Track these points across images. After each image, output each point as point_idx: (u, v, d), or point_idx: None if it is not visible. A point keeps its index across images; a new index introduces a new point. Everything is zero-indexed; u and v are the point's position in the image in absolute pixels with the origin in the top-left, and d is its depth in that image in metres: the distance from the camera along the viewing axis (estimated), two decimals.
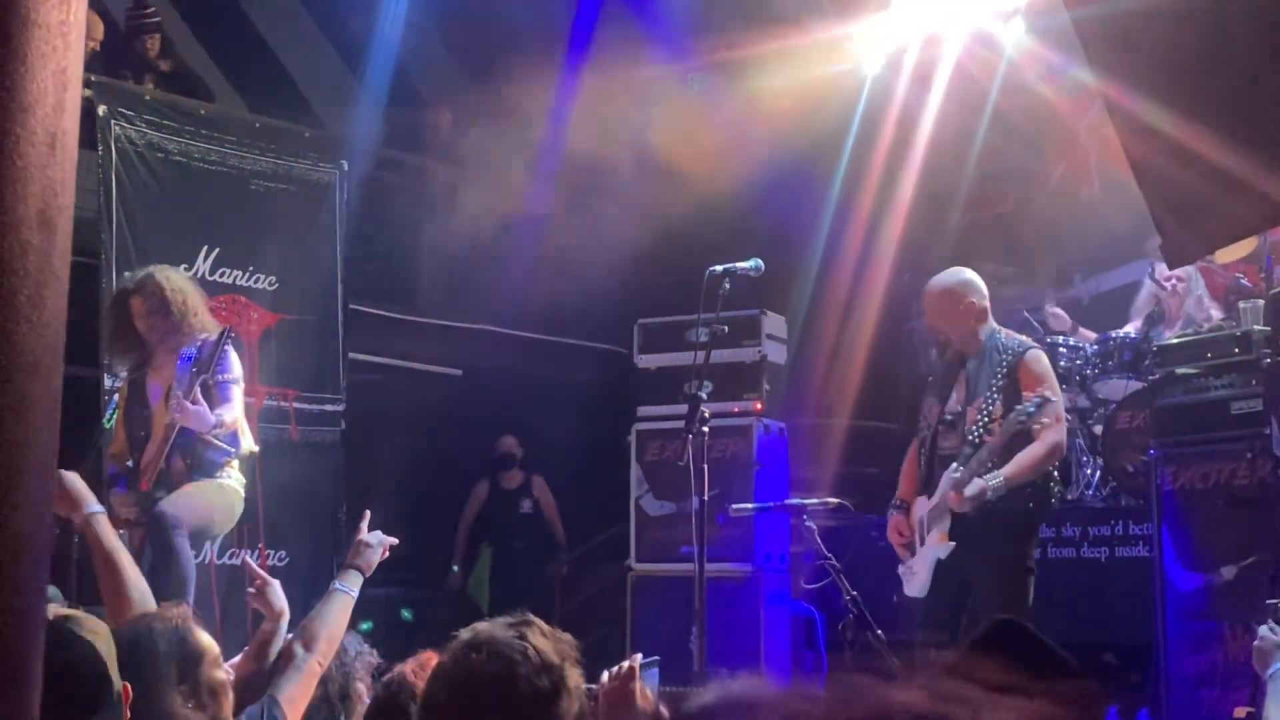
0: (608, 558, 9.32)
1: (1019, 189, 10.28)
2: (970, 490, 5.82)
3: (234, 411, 6.31)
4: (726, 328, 5.97)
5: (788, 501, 5.51)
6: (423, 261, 10.20)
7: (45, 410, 1.00)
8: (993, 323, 6.28)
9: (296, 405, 8.28)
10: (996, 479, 5.82)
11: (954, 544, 5.92)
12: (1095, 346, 8.14)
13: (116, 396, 6.78)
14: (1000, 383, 6.03)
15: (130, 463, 6.36)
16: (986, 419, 6.00)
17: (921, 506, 6.13)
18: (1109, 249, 8.59)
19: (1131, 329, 8.25)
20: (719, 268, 6.05)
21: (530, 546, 9.87)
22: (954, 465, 5.97)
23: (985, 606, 5.85)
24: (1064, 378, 8.20)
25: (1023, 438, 5.93)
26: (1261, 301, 6.75)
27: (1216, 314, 7.59)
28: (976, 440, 5.99)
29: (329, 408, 8.51)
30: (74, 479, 3.81)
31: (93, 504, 3.82)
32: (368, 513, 4.21)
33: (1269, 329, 6.42)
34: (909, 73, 9.61)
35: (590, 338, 10.28)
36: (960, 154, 9.86)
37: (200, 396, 6.04)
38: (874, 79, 9.74)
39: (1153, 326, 7.95)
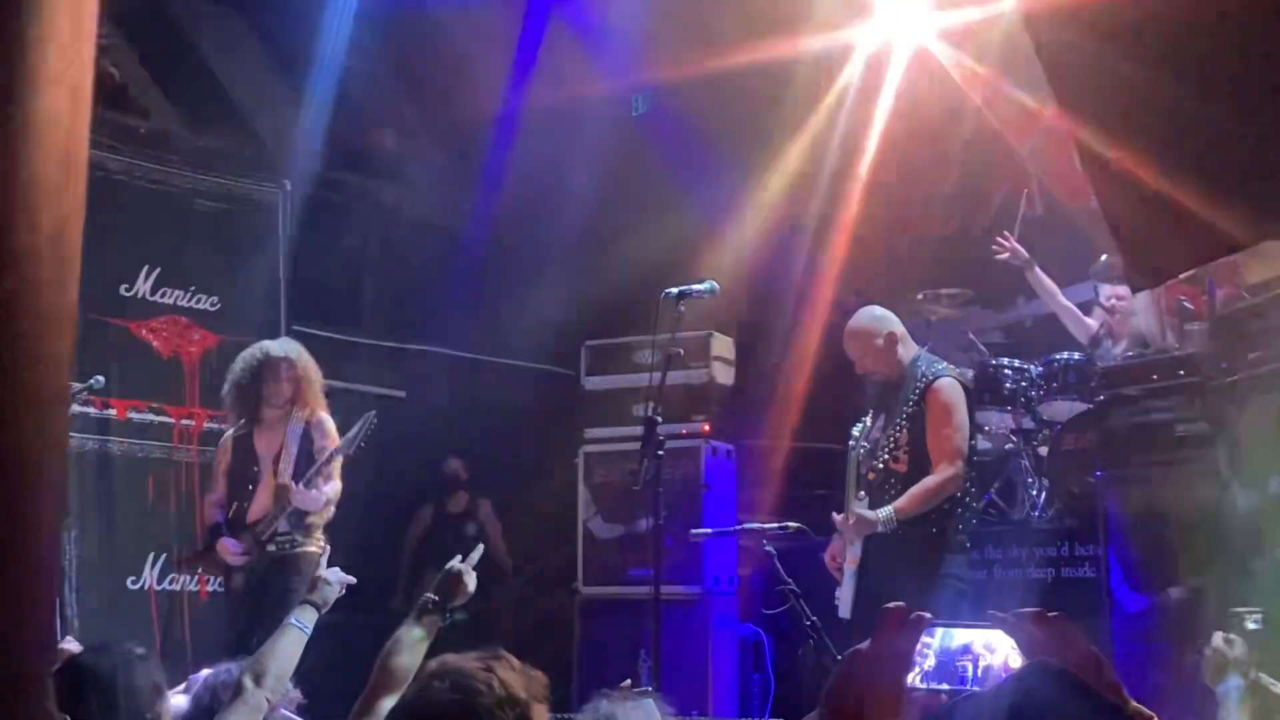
0: (555, 581, 9.25)
1: (962, 211, 10.35)
2: (855, 513, 5.93)
3: (336, 484, 7.05)
4: (682, 350, 5.95)
5: (747, 526, 5.48)
6: (366, 282, 10.11)
7: (54, 448, 0.94)
8: (914, 348, 6.35)
9: None
10: (888, 512, 5.91)
11: (858, 568, 5.96)
12: (1040, 368, 8.18)
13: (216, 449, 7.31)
14: (910, 409, 6.10)
15: (231, 512, 6.99)
16: (893, 445, 6.09)
17: None
18: (1053, 271, 8.65)
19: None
20: (674, 290, 6.04)
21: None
22: (860, 492, 6.07)
23: None
24: (1009, 399, 8.24)
25: (927, 468, 6.01)
26: (1207, 324, 6.83)
27: (1163, 330, 7.65)
28: (882, 467, 6.08)
29: None
30: None
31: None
32: (327, 548, 4.14)
33: (1213, 351, 6.49)
34: (853, 95, 9.67)
35: (536, 359, 10.23)
36: (905, 176, 9.92)
37: (318, 482, 6.89)
38: (820, 101, 9.79)
39: (1097, 347, 8.00)
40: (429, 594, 3.85)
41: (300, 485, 6.77)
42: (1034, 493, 8.08)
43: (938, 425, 6.02)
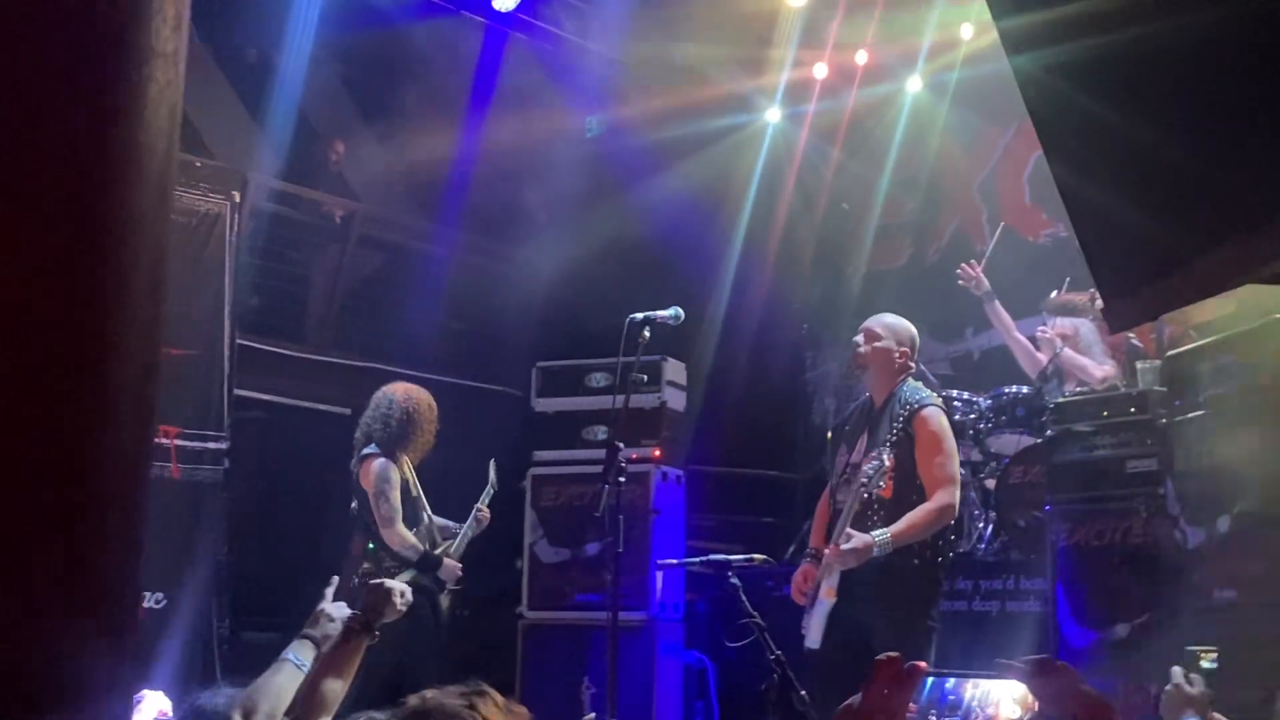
0: (498, 604, 9.14)
1: (913, 243, 10.41)
2: (847, 544, 5.69)
3: None
4: (645, 376, 5.89)
5: (713, 557, 5.39)
6: (314, 297, 9.98)
7: (136, 507, 0.88)
8: (911, 380, 6.18)
9: (178, 443, 8.03)
10: (884, 535, 5.71)
11: (836, 599, 5.77)
12: (989, 401, 8.21)
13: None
14: (895, 436, 5.94)
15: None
16: (879, 472, 5.86)
17: None
18: (1002, 304, 8.70)
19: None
20: (639, 315, 5.98)
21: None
22: (843, 518, 5.88)
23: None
24: (957, 431, 8.24)
25: (917, 494, 5.86)
26: (1159, 362, 6.88)
27: (1109, 368, 7.71)
28: (866, 494, 5.86)
29: (212, 446, 8.26)
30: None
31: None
32: (335, 579, 3.98)
33: (1165, 389, 6.54)
34: (810, 125, 9.70)
35: (486, 379, 10.13)
36: (862, 206, 9.96)
37: None
38: (776, 130, 9.82)
39: (1046, 382, 8.05)
40: (355, 611, 3.72)
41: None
42: (980, 525, 8.10)
43: (929, 453, 5.88)
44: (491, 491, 7.56)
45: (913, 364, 6.18)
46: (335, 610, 3.82)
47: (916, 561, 5.85)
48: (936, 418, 6.00)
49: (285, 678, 3.58)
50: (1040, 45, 3.20)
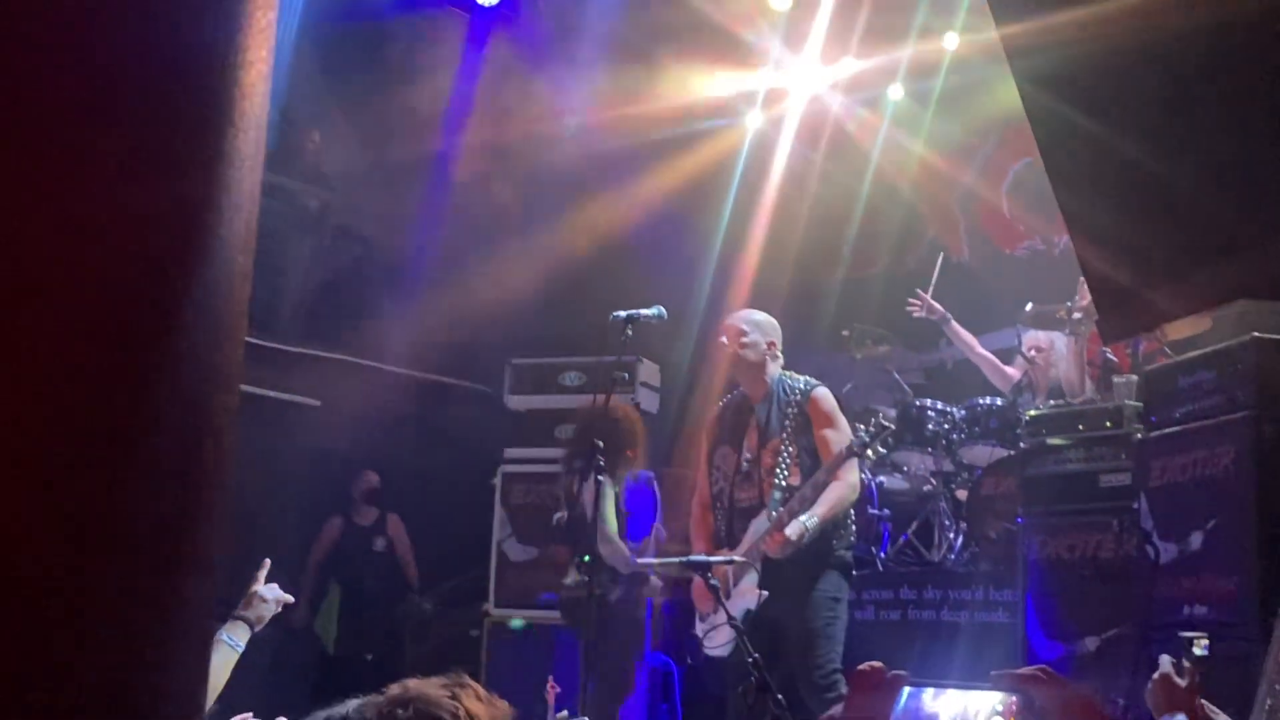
0: (464, 601, 9.10)
1: (891, 250, 10.41)
2: (791, 531, 5.79)
3: None
4: (626, 375, 5.87)
5: (691, 558, 5.34)
6: (287, 287, 9.89)
7: (223, 476, 0.84)
8: (780, 369, 6.33)
9: None
10: (812, 519, 5.83)
11: (766, 594, 5.84)
12: (963, 412, 8.21)
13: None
14: (791, 424, 6.09)
15: None
16: (787, 460, 6.03)
17: None
18: (977, 314, 8.72)
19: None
20: (622, 313, 5.96)
21: (382, 586, 9.59)
22: (764, 511, 5.96)
23: (800, 650, 5.91)
24: (930, 440, 8.27)
25: (823, 476, 5.98)
26: (1135, 378, 6.89)
27: (1083, 381, 7.72)
28: (783, 483, 5.99)
29: None
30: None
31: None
32: (267, 561, 4.01)
33: (1141, 405, 6.54)
34: (791, 129, 9.69)
35: (458, 375, 10.08)
36: (842, 212, 9.96)
37: None
38: (757, 135, 9.80)
39: (1020, 395, 8.06)
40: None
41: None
42: (951, 535, 8.11)
43: (830, 433, 6.05)
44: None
45: (780, 354, 6.32)
46: (267, 592, 3.97)
47: (834, 541, 6.03)
48: (828, 398, 6.20)
49: (220, 658, 3.69)
50: (1041, 52, 3.21)
